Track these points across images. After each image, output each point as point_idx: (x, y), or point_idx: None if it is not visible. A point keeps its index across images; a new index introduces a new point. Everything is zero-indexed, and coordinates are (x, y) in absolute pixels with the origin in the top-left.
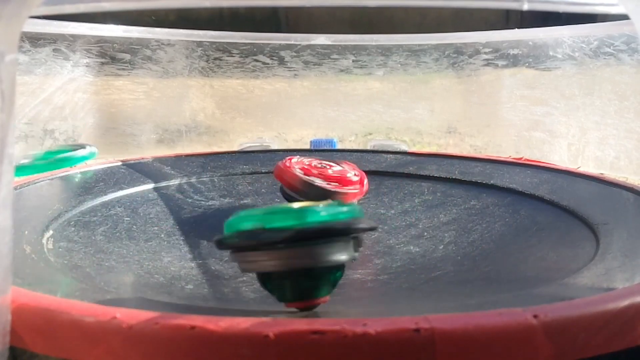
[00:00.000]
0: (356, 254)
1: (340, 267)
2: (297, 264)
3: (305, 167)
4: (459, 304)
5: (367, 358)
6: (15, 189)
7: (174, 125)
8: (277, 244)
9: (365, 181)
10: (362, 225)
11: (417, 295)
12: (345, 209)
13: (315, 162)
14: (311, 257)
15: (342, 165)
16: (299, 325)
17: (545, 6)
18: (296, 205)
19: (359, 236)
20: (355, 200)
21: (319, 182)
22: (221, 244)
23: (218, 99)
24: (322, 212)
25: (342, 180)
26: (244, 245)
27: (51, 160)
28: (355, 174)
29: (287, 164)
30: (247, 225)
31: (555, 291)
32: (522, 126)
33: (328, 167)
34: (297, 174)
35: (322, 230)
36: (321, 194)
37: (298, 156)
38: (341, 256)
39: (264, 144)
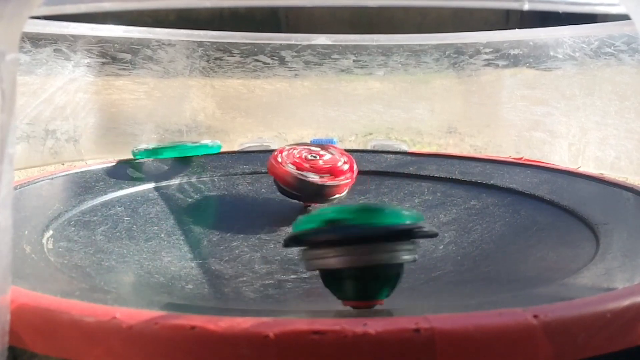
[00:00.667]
0: (416, 256)
1: (400, 272)
2: (374, 261)
3: (297, 160)
4: (459, 304)
5: (367, 358)
6: (15, 189)
7: (175, 125)
8: (367, 240)
9: (355, 166)
10: (430, 231)
11: (417, 295)
12: (412, 213)
13: (304, 153)
14: (386, 255)
15: (331, 151)
16: (299, 325)
17: (545, 6)
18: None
19: (417, 241)
20: (347, 189)
21: (311, 176)
22: (296, 241)
23: (219, 99)
24: (404, 214)
25: (334, 171)
26: (328, 239)
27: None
28: (344, 161)
29: (279, 159)
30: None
31: (555, 291)
32: (523, 126)
33: (318, 157)
34: (289, 170)
35: (408, 231)
36: (315, 188)
37: (287, 148)
38: (408, 256)
39: (264, 144)
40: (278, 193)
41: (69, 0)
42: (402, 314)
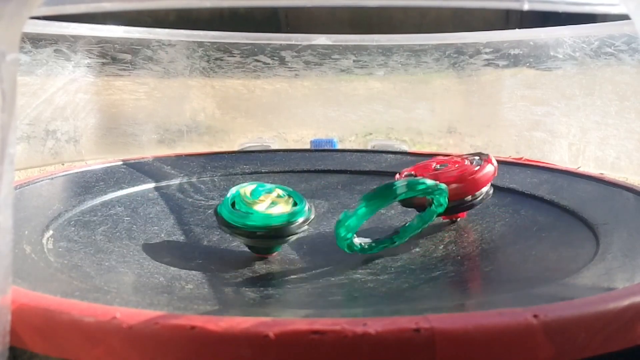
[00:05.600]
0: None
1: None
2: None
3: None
4: (459, 304)
5: (367, 358)
6: (16, 189)
7: (175, 125)
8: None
9: (478, 177)
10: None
11: (417, 295)
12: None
13: (434, 164)
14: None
15: (471, 160)
16: (299, 325)
17: (545, 6)
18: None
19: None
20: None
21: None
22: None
23: (219, 99)
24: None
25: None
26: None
27: None
28: (457, 170)
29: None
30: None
31: (555, 291)
32: (523, 126)
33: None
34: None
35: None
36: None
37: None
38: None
39: (264, 144)
40: None
41: (69, 0)
42: (402, 314)
